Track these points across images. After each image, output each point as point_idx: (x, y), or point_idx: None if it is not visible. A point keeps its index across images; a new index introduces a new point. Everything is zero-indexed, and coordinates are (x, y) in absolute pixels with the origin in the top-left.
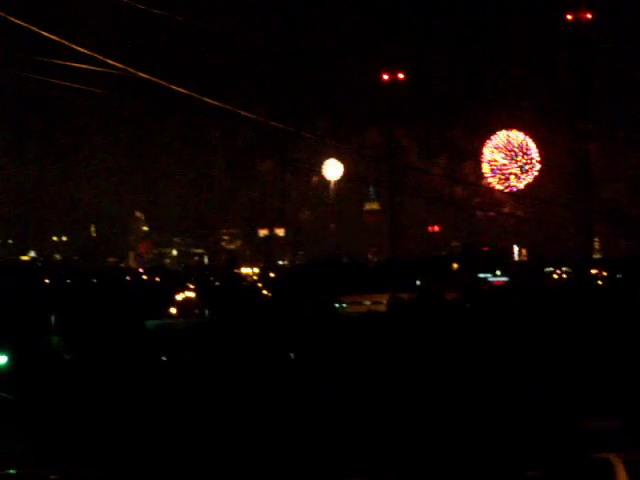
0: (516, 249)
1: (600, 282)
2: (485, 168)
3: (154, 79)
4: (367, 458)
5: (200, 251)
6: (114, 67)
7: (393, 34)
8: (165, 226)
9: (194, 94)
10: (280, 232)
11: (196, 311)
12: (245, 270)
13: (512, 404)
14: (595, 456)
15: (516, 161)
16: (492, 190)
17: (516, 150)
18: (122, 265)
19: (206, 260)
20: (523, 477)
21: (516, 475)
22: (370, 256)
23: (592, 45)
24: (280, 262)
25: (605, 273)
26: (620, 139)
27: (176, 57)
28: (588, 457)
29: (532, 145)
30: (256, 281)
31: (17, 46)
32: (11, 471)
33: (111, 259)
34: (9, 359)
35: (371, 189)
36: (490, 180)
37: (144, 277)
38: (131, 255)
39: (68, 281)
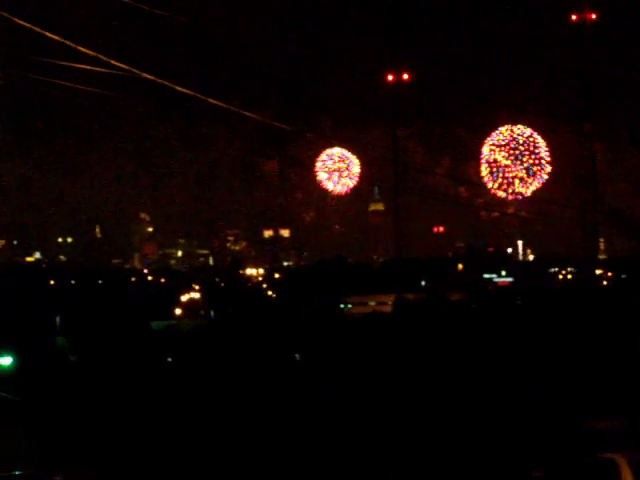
0: (520, 244)
1: (605, 282)
2: (484, 170)
3: (158, 80)
4: (372, 458)
5: (205, 252)
6: (118, 68)
7: (398, 35)
8: (170, 227)
9: (198, 94)
10: (285, 233)
11: (201, 312)
12: (250, 271)
13: (517, 405)
14: (600, 456)
15: (522, 162)
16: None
17: (522, 149)
18: (127, 266)
19: (211, 261)
20: (528, 477)
21: (521, 475)
22: (375, 257)
23: (596, 46)
24: (285, 263)
25: (610, 273)
26: (624, 140)
27: (180, 58)
28: (593, 457)
29: (541, 142)
30: (261, 282)
31: (21, 47)
32: (16, 472)
33: (116, 260)
34: (14, 360)
35: (376, 190)
36: (490, 185)
37: (149, 278)
38: (136, 256)
39: (73, 282)
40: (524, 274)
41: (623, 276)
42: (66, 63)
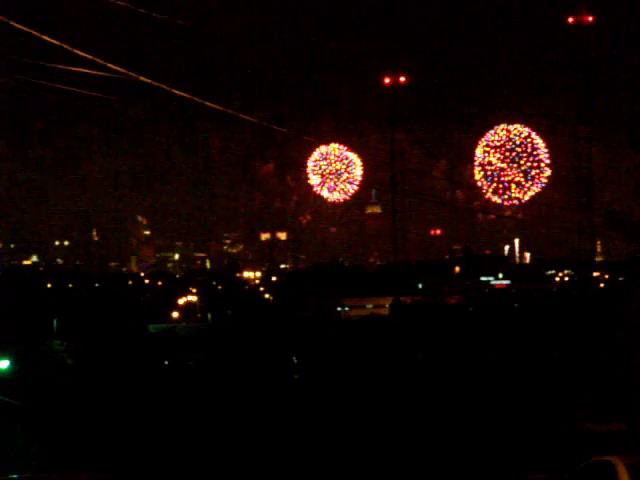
0: (516, 242)
1: (602, 284)
2: (478, 174)
3: (155, 83)
4: (370, 462)
5: (202, 255)
6: (115, 71)
7: (395, 37)
8: (167, 230)
9: (195, 98)
10: (282, 236)
11: (198, 315)
12: (247, 274)
13: (514, 407)
14: (597, 459)
15: (519, 165)
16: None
17: (519, 150)
18: (124, 269)
19: (208, 264)
20: None
21: (518, 478)
22: (372, 260)
23: (594, 48)
24: (282, 266)
25: (607, 276)
26: (622, 142)
27: (177, 61)
28: (590, 460)
29: (540, 144)
30: (258, 285)
31: (17, 50)
32: (14, 476)
33: (113, 263)
34: (11, 363)
35: (373, 193)
36: (485, 190)
37: (146, 281)
38: (133, 259)
39: (70, 285)
40: (521, 277)
41: (621, 278)
42: (63, 66)
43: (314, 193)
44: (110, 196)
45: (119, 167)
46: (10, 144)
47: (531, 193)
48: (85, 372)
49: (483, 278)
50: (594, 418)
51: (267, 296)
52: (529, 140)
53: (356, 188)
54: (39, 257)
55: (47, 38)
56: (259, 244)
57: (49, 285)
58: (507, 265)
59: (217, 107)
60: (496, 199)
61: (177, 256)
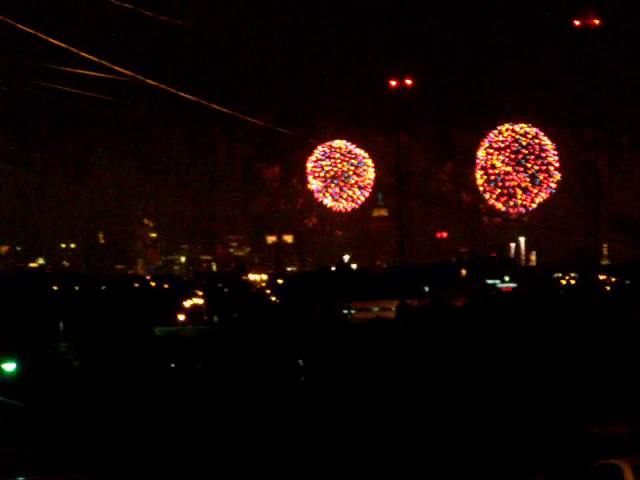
0: (522, 240)
1: (608, 287)
2: (480, 178)
3: (162, 86)
4: (376, 463)
5: (209, 258)
6: (122, 74)
7: (403, 40)
8: (173, 233)
9: (202, 101)
10: (288, 239)
11: (204, 318)
12: (253, 277)
13: (520, 410)
14: (603, 462)
15: (525, 168)
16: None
17: (525, 152)
18: (130, 272)
19: (214, 267)
20: None
21: None
22: (378, 262)
23: (600, 51)
24: (289, 269)
25: (613, 279)
26: (626, 145)
27: (184, 64)
28: (596, 463)
29: (549, 145)
30: (264, 287)
31: (24, 53)
32: (20, 478)
33: (119, 266)
34: (18, 366)
35: (379, 196)
36: (488, 196)
37: (152, 284)
38: (139, 262)
39: (76, 288)
40: (527, 279)
41: (627, 282)
42: (69, 69)
43: (316, 200)
44: (116, 199)
45: (125, 170)
46: (16, 147)
47: (539, 200)
48: (91, 374)
49: (489, 281)
50: (600, 421)
51: (273, 299)
52: (537, 141)
53: (367, 194)
54: (45, 260)
55: (53, 41)
56: (266, 247)
57: (55, 288)
58: (513, 268)
59: (224, 110)
60: (500, 206)
61: (183, 259)
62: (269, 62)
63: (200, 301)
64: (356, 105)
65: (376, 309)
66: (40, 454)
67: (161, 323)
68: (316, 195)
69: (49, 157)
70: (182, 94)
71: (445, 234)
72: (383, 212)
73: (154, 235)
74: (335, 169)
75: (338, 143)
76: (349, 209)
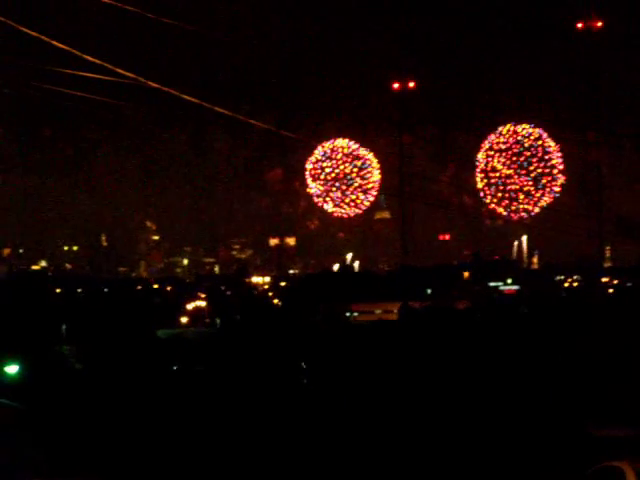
0: (525, 239)
1: (611, 290)
2: (480, 182)
3: (164, 88)
4: (379, 467)
5: (211, 260)
6: (124, 76)
7: (405, 42)
8: (176, 235)
9: (204, 103)
10: (291, 241)
11: (207, 320)
12: (256, 279)
13: (522, 412)
14: (606, 464)
15: (527, 171)
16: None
17: (528, 154)
18: (133, 274)
19: (217, 269)
20: None
21: None
22: (381, 265)
23: (602, 53)
24: (291, 271)
25: (616, 281)
26: (629, 146)
27: (186, 66)
28: (599, 465)
29: (552, 146)
30: (267, 290)
31: (26, 55)
32: None
33: (122, 268)
34: (20, 368)
35: (382, 198)
36: (489, 200)
37: (155, 286)
38: (142, 264)
39: (79, 290)
40: (530, 282)
41: (629, 284)
42: (72, 72)
43: (315, 204)
44: (119, 201)
45: (128, 172)
46: (18, 149)
47: (542, 204)
48: (94, 377)
49: (492, 283)
50: (601, 423)
51: (276, 301)
52: (539, 142)
53: (372, 199)
54: (48, 262)
55: (56, 43)
56: (268, 249)
57: (58, 290)
58: (516, 270)
59: (226, 112)
60: (501, 210)
61: (186, 261)
62: (271, 64)
63: (203, 304)
64: (358, 107)
65: (378, 311)
66: (42, 456)
67: (164, 326)
68: (316, 200)
69: (51, 159)
70: (185, 96)
71: (448, 236)
72: (385, 214)
73: (156, 237)
74: (337, 171)
75: (340, 142)
76: (352, 215)
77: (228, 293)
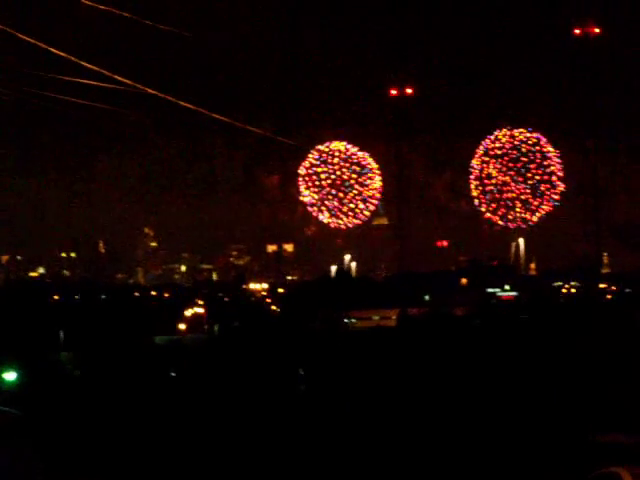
0: (522, 241)
1: (609, 296)
2: (475, 190)
3: (161, 94)
4: (378, 474)
5: (209, 267)
6: (122, 83)
7: (403, 49)
8: (174, 242)
9: (202, 109)
10: (289, 247)
11: (205, 327)
12: (253, 286)
13: (524, 418)
14: (605, 470)
15: (525, 178)
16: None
17: (525, 160)
18: (131, 281)
19: (215, 276)
20: None
21: None
22: (379, 271)
23: (600, 59)
24: (289, 277)
25: (614, 287)
26: (625, 152)
27: (183, 73)
28: (597, 471)
29: (552, 152)
30: (265, 296)
31: (24, 62)
32: None
33: (120, 275)
34: (18, 376)
35: (379, 205)
36: (483, 209)
37: (153, 293)
38: (140, 271)
39: (77, 297)
40: (528, 288)
41: (628, 290)
42: (70, 78)
43: (309, 213)
44: (117, 208)
45: (126, 179)
46: (17, 156)
47: (540, 213)
48: (91, 384)
49: (490, 289)
50: (601, 429)
51: (274, 308)
52: (537, 148)
53: (373, 208)
54: (46, 269)
55: (54, 50)
56: (265, 255)
57: (56, 297)
58: (514, 277)
59: (224, 119)
60: (497, 219)
61: (184, 268)
62: (269, 71)
63: (201, 310)
64: (356, 113)
65: (376, 318)
66: (41, 463)
67: (161, 332)
68: (310, 209)
69: (49, 166)
70: (182, 102)
71: (445, 243)
72: (383, 221)
73: (154, 244)
74: (333, 177)
75: (336, 145)
76: (350, 225)
77: (226, 300)
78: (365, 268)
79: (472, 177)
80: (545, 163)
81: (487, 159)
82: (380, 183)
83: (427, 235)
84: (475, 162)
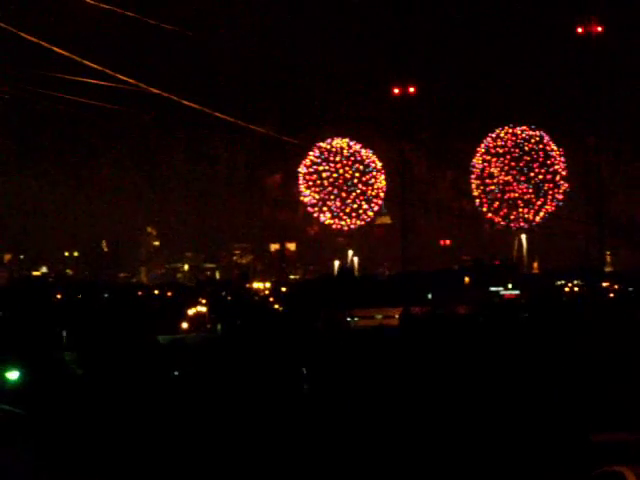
0: (524, 237)
1: (612, 295)
2: (476, 189)
3: (164, 94)
4: (380, 473)
5: (212, 266)
6: (125, 82)
7: (405, 48)
8: (177, 241)
9: (205, 109)
10: (291, 246)
11: (208, 326)
12: (257, 285)
13: (524, 417)
14: (607, 469)
15: (527, 177)
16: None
17: (528, 159)
18: (134, 280)
19: (218, 275)
20: None
21: None
22: (381, 270)
23: (603, 58)
24: (292, 276)
25: (617, 286)
26: (631, 150)
27: (187, 72)
28: (599, 470)
29: (555, 150)
30: (268, 295)
31: (27, 61)
32: None
33: (122, 274)
34: (21, 374)
35: (382, 204)
36: (485, 209)
37: (156, 292)
38: (143, 270)
39: (79, 296)
40: (531, 287)
41: (630, 289)
42: (73, 77)
43: (310, 214)
44: (120, 207)
45: (129, 178)
46: (19, 156)
47: (543, 213)
48: (94, 383)
49: (493, 288)
50: (603, 428)
51: (277, 306)
52: (540, 146)
53: (376, 208)
54: (49, 268)
55: (57, 49)
56: (268, 254)
57: (59, 296)
58: (517, 275)
59: (227, 118)
60: (499, 220)
61: (187, 267)
62: (271, 70)
63: (203, 309)
64: (359, 112)
65: (379, 316)
66: (43, 461)
67: (164, 331)
68: (310, 210)
69: (52, 165)
70: (185, 102)
71: (448, 241)
72: (386, 220)
73: (157, 243)
74: (335, 175)
75: (339, 143)
76: (353, 226)
77: (229, 298)
78: (369, 264)
79: (473, 176)
80: (548, 162)
81: (489, 158)
82: (384, 182)
83: (430, 234)
84: (476, 161)
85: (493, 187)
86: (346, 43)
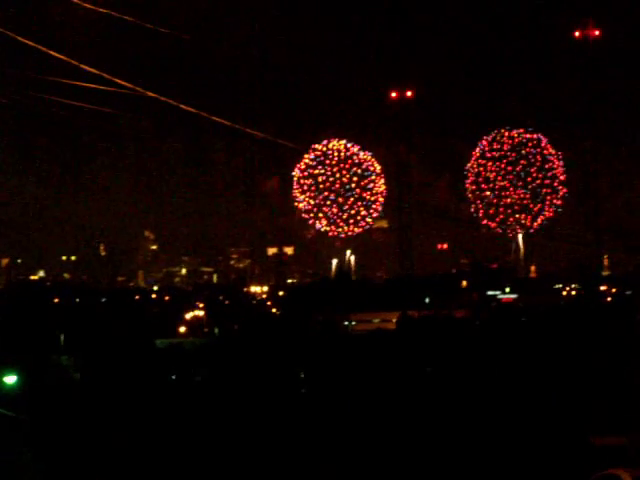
0: (520, 237)
1: (609, 298)
2: (472, 194)
3: (162, 98)
4: (378, 476)
5: (209, 270)
6: (122, 86)
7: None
8: (174, 245)
9: (202, 113)
10: (289, 250)
11: (205, 330)
12: (254, 289)
13: (523, 421)
14: (605, 472)
15: (524, 182)
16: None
17: (525, 163)
18: (131, 284)
19: (215, 279)
20: None
21: None
22: (379, 274)
23: (599, 62)
24: (289, 280)
25: (614, 290)
26: (625, 155)
27: (183, 76)
28: (598, 473)
29: (553, 154)
30: (265, 300)
31: (25, 65)
32: None
33: (120, 278)
34: (19, 378)
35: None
36: (480, 215)
37: (153, 296)
38: (140, 274)
39: (77, 300)
40: (529, 291)
41: (628, 292)
42: (70, 81)
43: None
44: (117, 211)
45: (126, 182)
46: (16, 159)
47: (540, 220)
48: (92, 387)
49: (490, 292)
50: (600, 432)
51: (274, 310)
52: (538, 150)
53: (375, 215)
54: (46, 272)
55: (54, 53)
56: (266, 258)
57: (56, 300)
58: (514, 279)
59: (224, 122)
60: (494, 225)
61: (184, 271)
62: (268, 74)
63: (201, 313)
64: (356, 116)
65: (377, 320)
66: (41, 465)
67: (162, 335)
68: (305, 216)
69: (49, 169)
70: (182, 106)
71: (446, 245)
72: (383, 223)
73: (155, 247)
74: (332, 179)
75: (335, 145)
76: (350, 234)
77: (226, 303)
78: (367, 266)
79: (468, 181)
80: (546, 166)
81: (484, 162)
82: (384, 187)
83: (427, 238)
84: (471, 165)
85: (488, 193)
86: (343, 47)
